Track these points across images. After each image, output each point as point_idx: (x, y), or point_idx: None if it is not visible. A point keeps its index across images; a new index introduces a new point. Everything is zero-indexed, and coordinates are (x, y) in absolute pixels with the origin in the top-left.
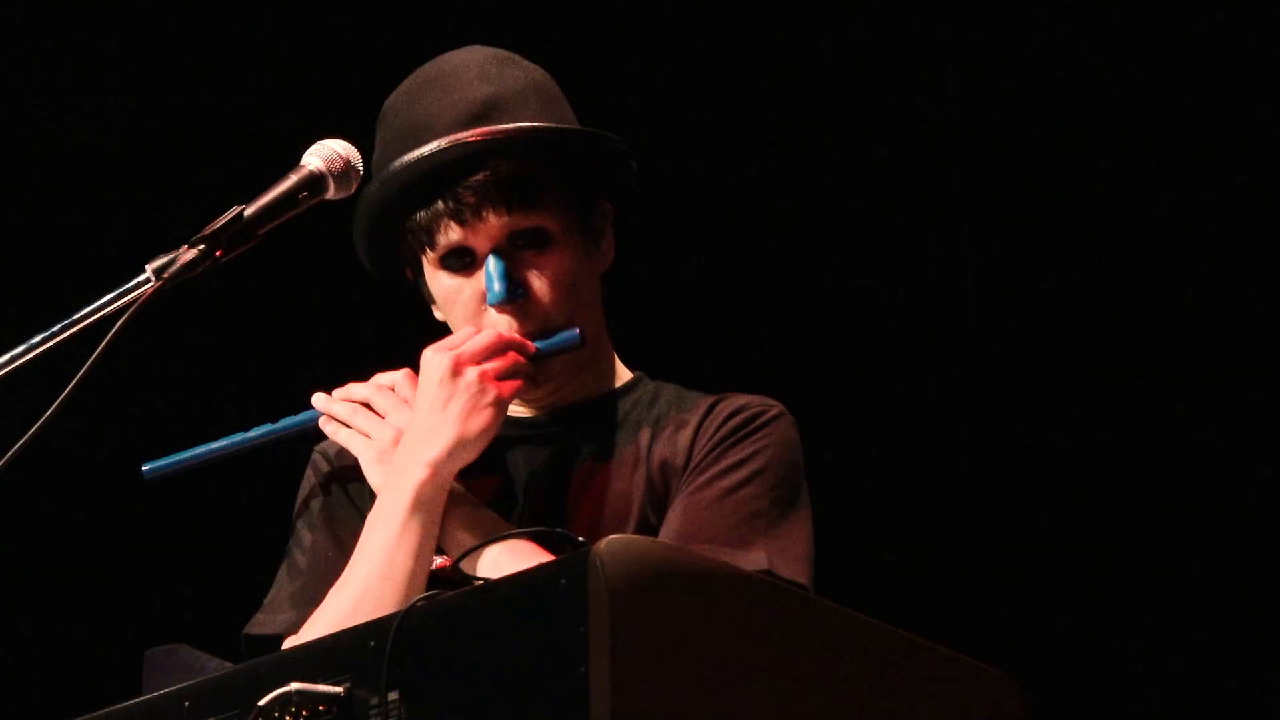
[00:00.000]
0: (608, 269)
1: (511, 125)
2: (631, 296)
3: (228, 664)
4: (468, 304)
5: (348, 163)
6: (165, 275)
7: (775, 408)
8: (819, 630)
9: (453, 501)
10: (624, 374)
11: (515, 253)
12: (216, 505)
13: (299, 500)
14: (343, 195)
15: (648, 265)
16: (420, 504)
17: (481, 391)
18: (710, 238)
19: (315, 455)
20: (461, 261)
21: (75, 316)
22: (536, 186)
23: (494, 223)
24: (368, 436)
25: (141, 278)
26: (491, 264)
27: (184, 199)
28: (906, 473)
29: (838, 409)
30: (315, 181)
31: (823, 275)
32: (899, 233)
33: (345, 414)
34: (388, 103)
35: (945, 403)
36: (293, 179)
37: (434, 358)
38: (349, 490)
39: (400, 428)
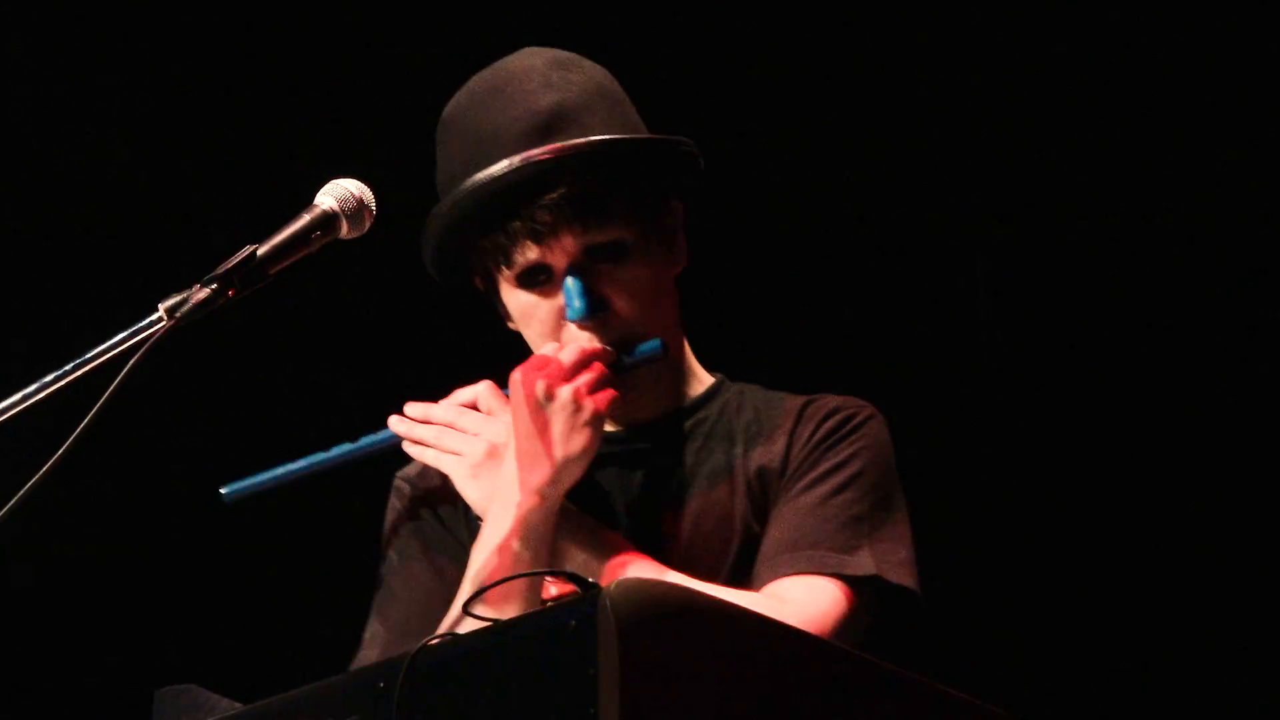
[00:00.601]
0: (680, 271)
1: (582, 140)
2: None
3: (238, 704)
4: (547, 320)
5: (360, 202)
6: (178, 315)
7: (867, 409)
8: (827, 670)
9: (571, 523)
10: (704, 378)
11: (593, 266)
12: (228, 542)
13: (387, 529)
14: (355, 234)
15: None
16: (530, 531)
17: (578, 410)
18: (738, 236)
19: (398, 482)
20: (538, 279)
21: (88, 355)
22: (611, 200)
23: (570, 239)
24: (458, 455)
25: (154, 317)
26: (570, 281)
27: (196, 236)
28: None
29: None
30: (328, 221)
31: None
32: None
33: (431, 436)
34: (448, 112)
35: (950, 425)
36: (305, 218)
37: (525, 380)
38: (441, 515)
39: (493, 440)
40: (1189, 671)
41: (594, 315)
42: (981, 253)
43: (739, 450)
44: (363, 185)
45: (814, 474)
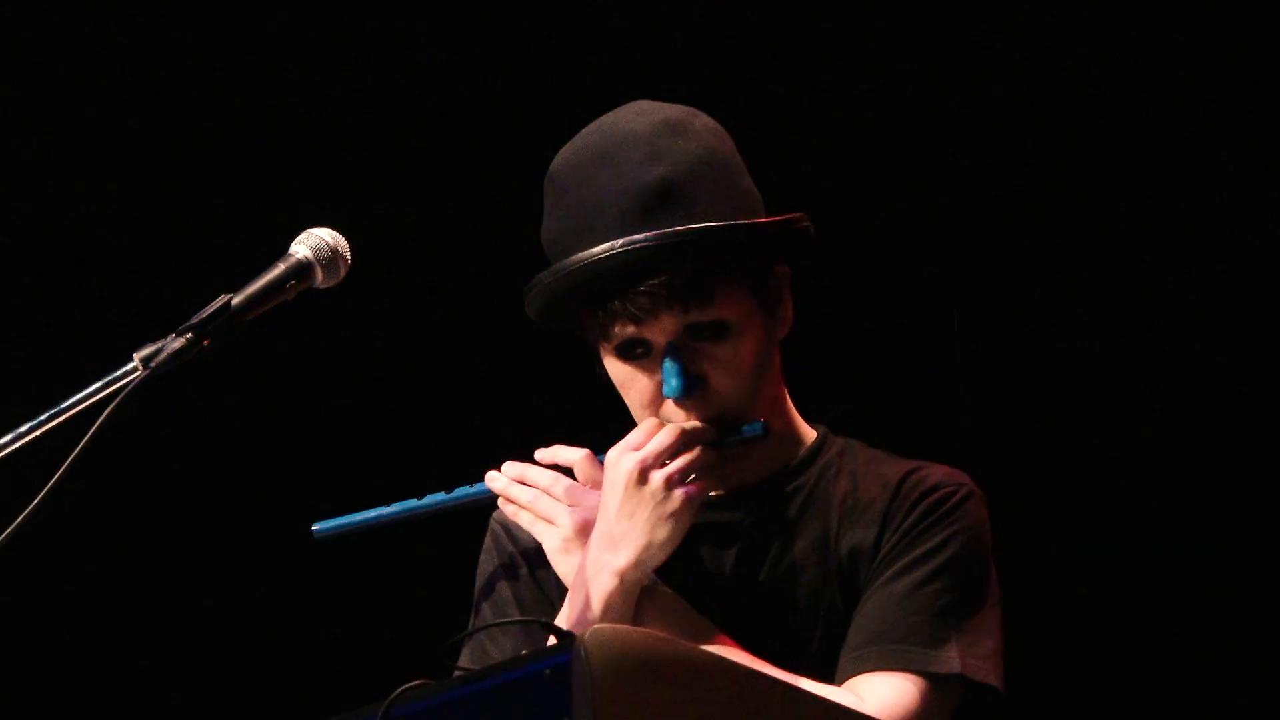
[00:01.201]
0: (786, 334)
1: (685, 228)
2: None
3: None
4: (644, 393)
5: (335, 251)
6: (153, 364)
7: (966, 487)
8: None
9: (659, 602)
10: (806, 435)
11: (693, 344)
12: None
13: (481, 574)
14: (330, 284)
15: None
16: (609, 613)
17: (668, 498)
18: None
19: (494, 525)
20: (636, 351)
21: (63, 405)
22: (713, 283)
23: (670, 320)
24: (551, 523)
25: (129, 366)
26: (668, 359)
27: (169, 284)
28: None
29: None
30: (303, 270)
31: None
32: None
33: (527, 499)
34: (555, 168)
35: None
36: (280, 267)
37: (619, 460)
38: (535, 575)
39: (586, 516)
40: (1189, 677)
41: (691, 394)
42: (958, 306)
43: (834, 527)
44: (337, 234)
45: (905, 560)
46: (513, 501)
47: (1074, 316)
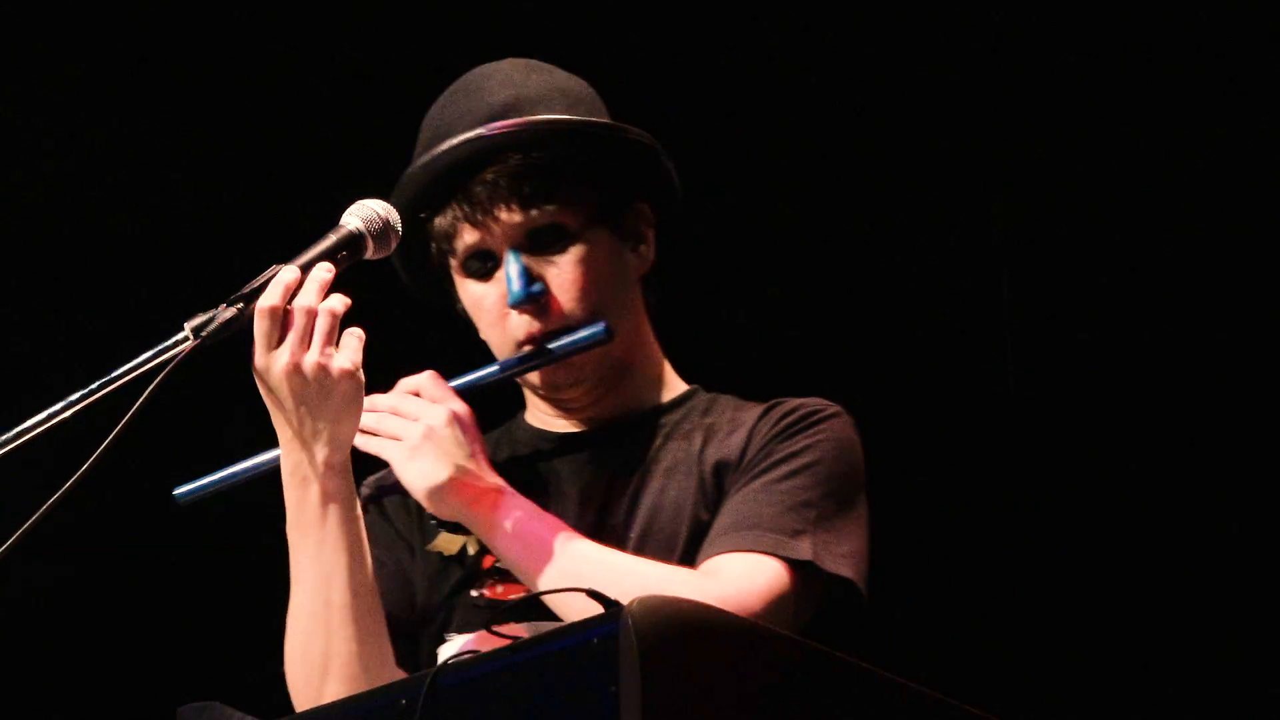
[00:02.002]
0: (646, 272)
1: (522, 119)
2: (690, 310)
3: None
4: (492, 309)
5: (387, 223)
6: (204, 334)
7: (832, 407)
8: (851, 691)
9: (509, 502)
10: (677, 386)
11: (535, 252)
12: (251, 556)
13: None
14: (381, 255)
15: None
16: (332, 500)
17: (330, 378)
18: (756, 252)
19: (362, 488)
20: (483, 266)
21: (114, 374)
22: (552, 181)
23: (508, 220)
24: (396, 439)
25: (179, 336)
26: (509, 263)
27: (218, 255)
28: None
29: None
30: (354, 241)
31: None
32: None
33: (373, 423)
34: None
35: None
36: (331, 239)
37: (269, 365)
38: (385, 506)
39: (431, 424)
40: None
41: (530, 298)
42: (1009, 264)
43: (698, 445)
44: (389, 206)
45: (767, 463)
46: (362, 430)
47: (1125, 294)
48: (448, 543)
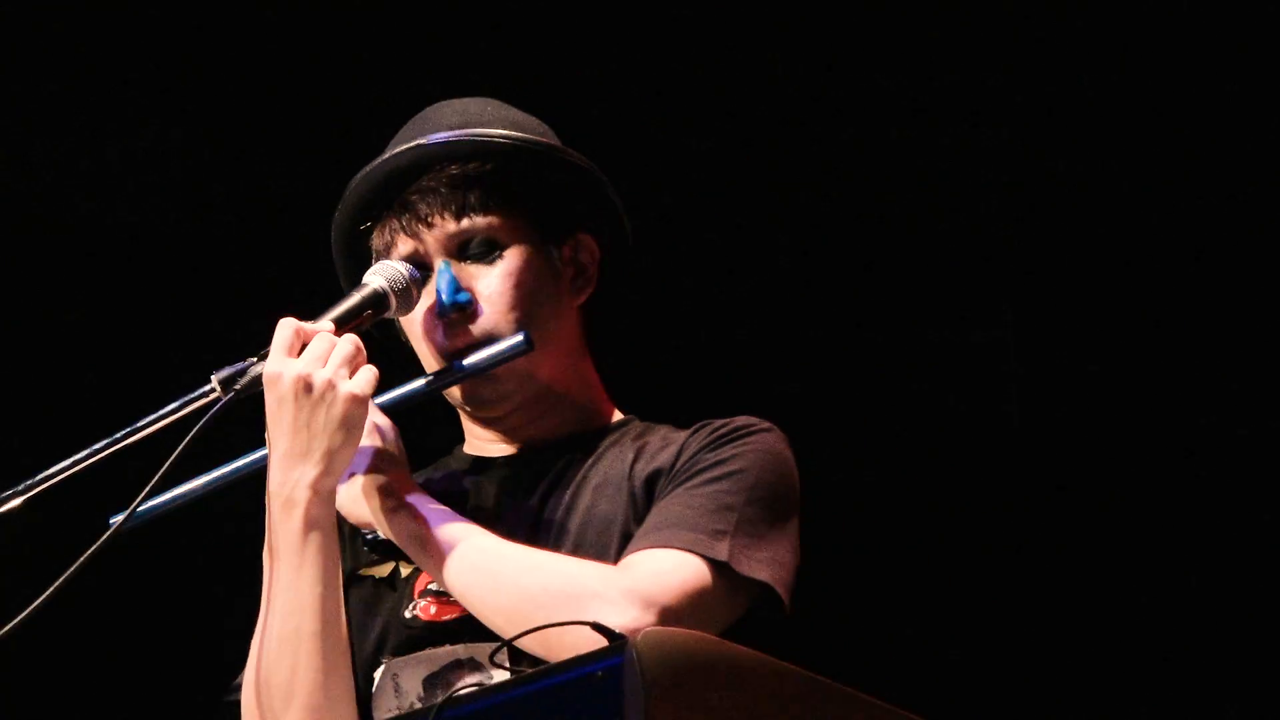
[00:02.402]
0: (584, 303)
1: (464, 131)
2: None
3: None
4: (422, 321)
5: (409, 280)
6: (237, 387)
7: (764, 424)
8: None
9: (419, 501)
10: (613, 415)
11: (466, 263)
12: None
13: None
14: (404, 314)
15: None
16: (314, 526)
17: (336, 400)
18: (740, 292)
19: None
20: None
21: (139, 424)
22: (489, 193)
23: (442, 229)
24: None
25: (207, 388)
26: (440, 273)
27: (236, 305)
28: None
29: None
30: (379, 299)
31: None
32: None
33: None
34: None
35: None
36: (356, 296)
37: (281, 372)
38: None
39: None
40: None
41: (455, 306)
42: (1011, 302)
43: (629, 462)
44: (411, 265)
45: (693, 470)
46: None
47: (1135, 314)
48: (378, 566)
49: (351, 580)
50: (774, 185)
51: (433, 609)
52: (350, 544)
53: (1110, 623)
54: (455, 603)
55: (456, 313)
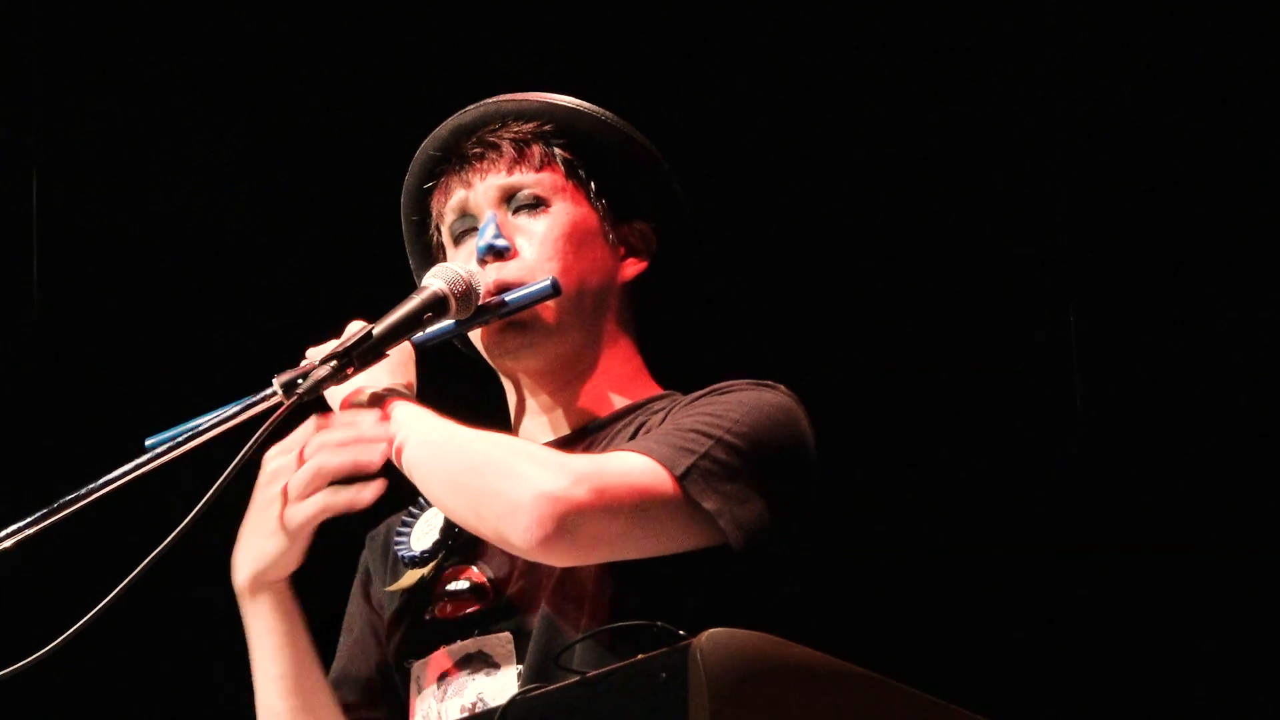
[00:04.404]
0: (631, 281)
1: (535, 94)
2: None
3: None
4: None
5: (469, 285)
6: (299, 390)
7: (773, 384)
8: None
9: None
10: (653, 389)
11: (512, 216)
12: None
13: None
14: (463, 316)
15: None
16: (247, 609)
17: (275, 508)
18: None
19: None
20: (467, 229)
21: (201, 427)
22: (545, 150)
23: (494, 178)
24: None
25: (268, 391)
26: (486, 221)
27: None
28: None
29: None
30: (439, 303)
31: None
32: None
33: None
34: None
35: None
36: (416, 300)
37: (270, 458)
38: (371, 559)
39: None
40: None
41: (490, 250)
42: (1075, 304)
43: (645, 427)
44: (470, 268)
45: (685, 408)
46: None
47: (1201, 327)
48: (407, 579)
49: (385, 598)
50: (833, 190)
51: (448, 608)
52: (392, 564)
53: (1179, 650)
54: (468, 599)
55: (492, 256)
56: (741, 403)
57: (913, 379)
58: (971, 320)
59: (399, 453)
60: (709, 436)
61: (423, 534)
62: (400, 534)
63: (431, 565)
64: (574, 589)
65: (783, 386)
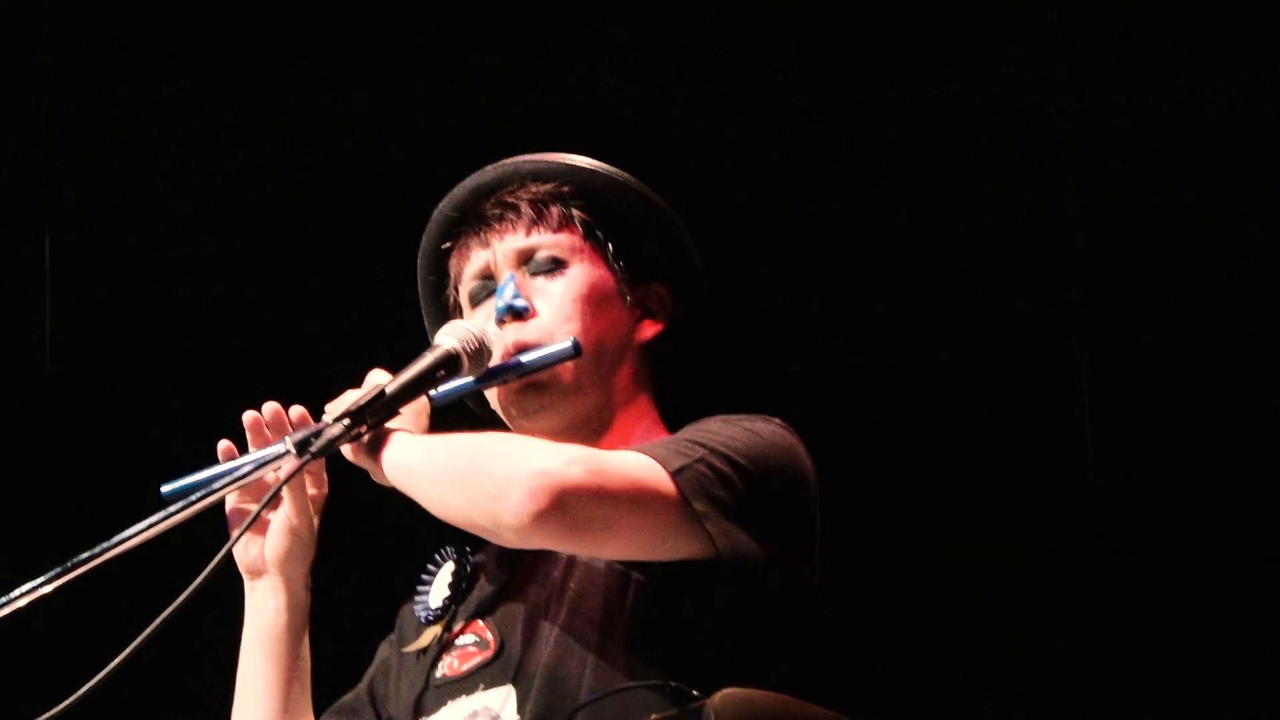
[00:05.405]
0: (649, 343)
1: (552, 155)
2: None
3: None
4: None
5: (482, 343)
6: (312, 449)
7: (770, 418)
8: None
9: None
10: None
11: (530, 278)
12: None
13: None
14: (475, 375)
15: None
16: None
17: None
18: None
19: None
20: (483, 289)
21: (215, 486)
22: (563, 212)
23: (512, 240)
24: None
25: (279, 448)
26: (505, 279)
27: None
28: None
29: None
30: (451, 361)
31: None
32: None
33: None
34: None
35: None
36: (429, 358)
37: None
38: (398, 621)
39: None
40: None
41: (509, 310)
42: (1085, 347)
43: None
44: (484, 327)
45: (679, 431)
46: None
47: (1205, 328)
48: (423, 639)
49: (402, 660)
50: (841, 201)
51: (456, 663)
52: (415, 627)
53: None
54: (474, 652)
55: (511, 316)
56: (740, 425)
57: (929, 427)
58: (982, 374)
59: (393, 463)
60: (705, 447)
61: (438, 591)
62: (419, 593)
63: (443, 621)
64: (579, 639)
65: (778, 419)
